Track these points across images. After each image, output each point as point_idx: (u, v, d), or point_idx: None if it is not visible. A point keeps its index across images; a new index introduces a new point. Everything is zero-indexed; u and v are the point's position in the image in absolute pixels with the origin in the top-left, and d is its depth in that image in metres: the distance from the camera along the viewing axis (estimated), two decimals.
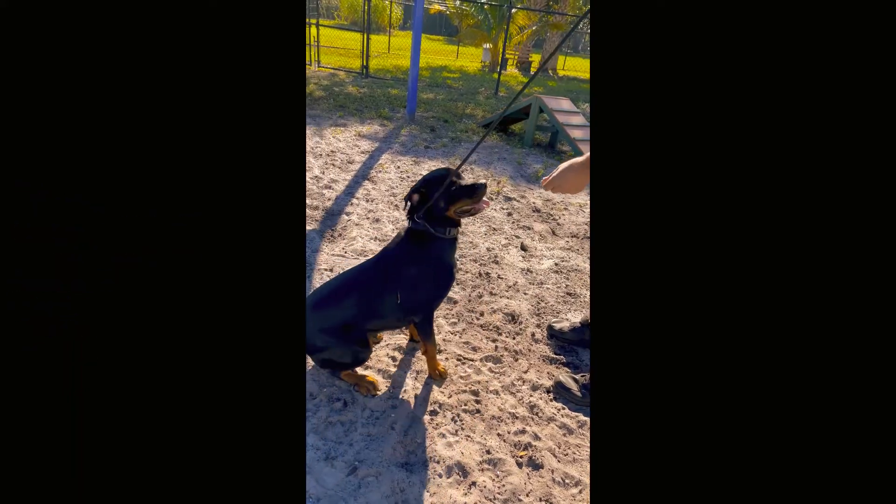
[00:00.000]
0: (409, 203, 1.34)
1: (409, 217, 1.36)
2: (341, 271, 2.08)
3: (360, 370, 1.53)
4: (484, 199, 1.31)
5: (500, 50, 10.48)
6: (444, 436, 1.32)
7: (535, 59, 15.59)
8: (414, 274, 1.34)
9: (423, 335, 1.46)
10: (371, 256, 1.40)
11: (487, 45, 13.17)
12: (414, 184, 1.36)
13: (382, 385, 1.49)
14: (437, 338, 1.73)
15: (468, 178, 1.33)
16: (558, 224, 2.96)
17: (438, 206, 1.31)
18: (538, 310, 2.01)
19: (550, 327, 1.85)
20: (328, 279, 2.00)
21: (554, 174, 1.34)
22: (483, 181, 1.31)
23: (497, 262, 2.38)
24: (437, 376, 1.53)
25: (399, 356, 1.63)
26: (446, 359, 1.63)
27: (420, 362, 1.60)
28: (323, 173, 3.28)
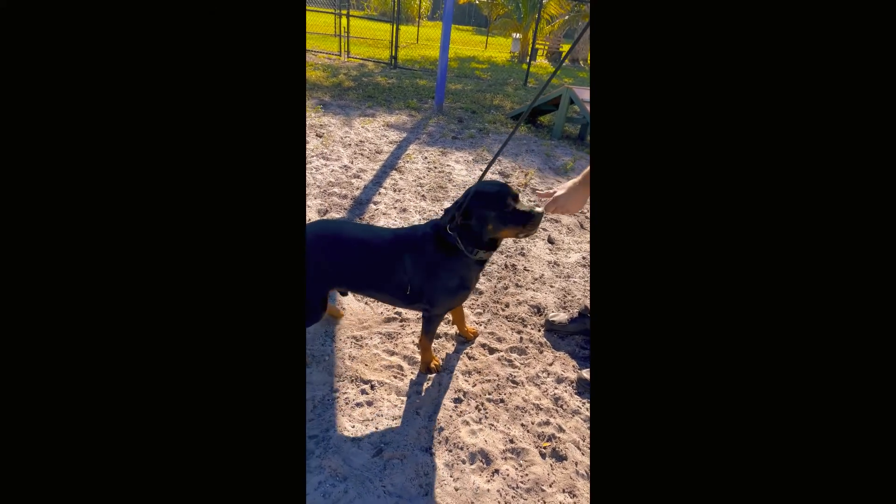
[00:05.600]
0: (453, 220, 1.20)
1: (443, 225, 1.25)
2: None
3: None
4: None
5: (530, 40, 10.28)
6: (467, 423, 1.34)
7: (566, 48, 15.25)
8: (436, 282, 1.28)
9: (426, 330, 1.42)
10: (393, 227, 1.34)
11: (517, 35, 12.94)
12: (463, 195, 1.22)
13: (408, 371, 1.51)
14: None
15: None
16: (587, 218, 2.91)
17: (483, 224, 1.18)
18: (564, 303, 1.99)
19: (549, 322, 1.79)
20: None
21: (558, 194, 1.32)
22: (540, 208, 1.19)
23: (524, 255, 2.36)
24: (423, 370, 1.50)
25: None
26: (471, 347, 1.64)
27: (444, 350, 1.62)
28: (352, 163, 3.32)
